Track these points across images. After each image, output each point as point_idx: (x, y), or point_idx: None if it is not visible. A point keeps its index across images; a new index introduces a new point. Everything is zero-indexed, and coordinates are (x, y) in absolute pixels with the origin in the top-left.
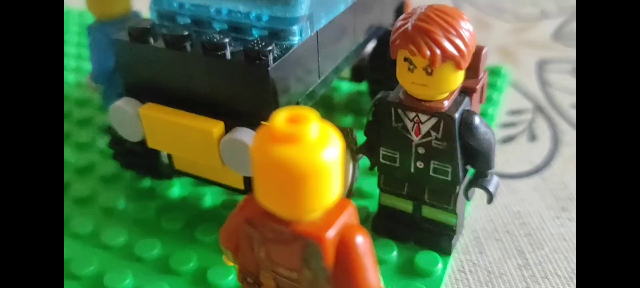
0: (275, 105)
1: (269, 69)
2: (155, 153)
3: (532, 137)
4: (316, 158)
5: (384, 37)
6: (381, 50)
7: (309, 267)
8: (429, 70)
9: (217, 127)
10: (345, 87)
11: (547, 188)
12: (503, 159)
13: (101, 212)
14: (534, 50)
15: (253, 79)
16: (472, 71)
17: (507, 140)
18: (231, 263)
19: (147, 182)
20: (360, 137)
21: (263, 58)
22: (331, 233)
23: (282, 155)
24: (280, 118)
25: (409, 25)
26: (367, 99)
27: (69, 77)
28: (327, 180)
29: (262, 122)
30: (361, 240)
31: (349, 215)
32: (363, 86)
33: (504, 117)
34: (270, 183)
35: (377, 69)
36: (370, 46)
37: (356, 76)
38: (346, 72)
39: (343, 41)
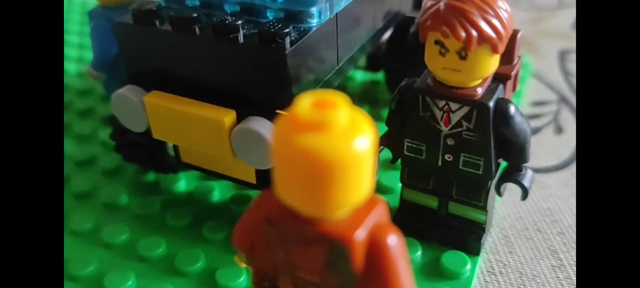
0: (291, 93)
1: (286, 53)
2: (161, 145)
3: (559, 130)
4: (346, 149)
5: (402, 23)
6: (399, 37)
7: (335, 272)
8: (463, 54)
9: (228, 116)
10: (360, 76)
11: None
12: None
13: (102, 208)
14: (554, 40)
15: (268, 64)
16: (507, 56)
17: (532, 132)
18: (244, 265)
19: (151, 176)
20: (380, 128)
21: (279, 41)
22: (361, 233)
23: (308, 144)
24: (305, 103)
25: (441, 5)
26: (384, 89)
27: (70, 67)
28: (358, 173)
29: (278, 111)
30: (394, 241)
31: (380, 213)
32: (379, 76)
33: (528, 108)
34: (293, 176)
35: (394, 57)
36: (388, 33)
37: (372, 65)
38: (362, 61)
39: (362, 26)
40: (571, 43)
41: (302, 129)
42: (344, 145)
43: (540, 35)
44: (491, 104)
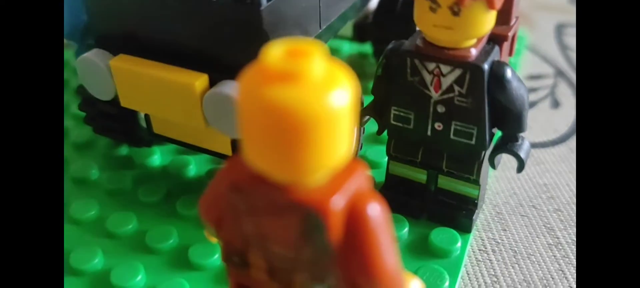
0: None
1: (262, 9)
2: (132, 115)
3: (555, 104)
4: (321, 102)
5: None
6: (388, 5)
7: (310, 244)
8: (456, 9)
9: (199, 80)
10: (347, 47)
11: (575, 159)
12: None
13: (71, 183)
14: (550, 14)
15: (242, 22)
16: (504, 15)
17: (529, 106)
18: (214, 240)
19: (124, 150)
20: (366, 100)
21: None
22: (338, 200)
23: (278, 97)
24: (276, 52)
25: None
26: (372, 61)
27: None
28: (335, 131)
29: None
30: (376, 211)
31: (361, 180)
32: (367, 47)
33: (524, 82)
34: (261, 136)
35: (383, 26)
36: (375, 1)
37: (359, 35)
38: (348, 31)
39: None
40: (568, 17)
41: (272, 80)
42: (318, 98)
43: (537, 9)
44: (486, 66)
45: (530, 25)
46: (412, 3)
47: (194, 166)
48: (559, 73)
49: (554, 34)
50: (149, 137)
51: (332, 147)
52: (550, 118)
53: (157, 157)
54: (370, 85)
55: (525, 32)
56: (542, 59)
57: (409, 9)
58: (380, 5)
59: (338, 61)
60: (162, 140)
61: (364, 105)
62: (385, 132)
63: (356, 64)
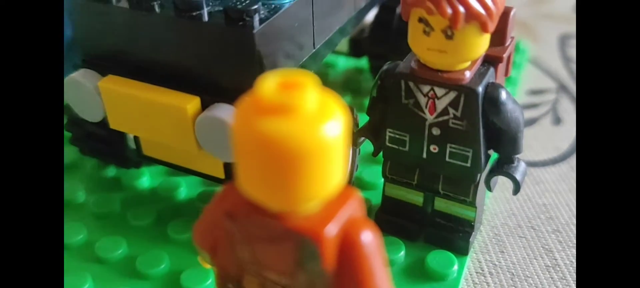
0: (260, 75)
1: (255, 32)
2: (120, 136)
3: (557, 120)
4: (314, 134)
5: (388, 3)
6: (385, 19)
7: (304, 271)
8: (449, 33)
9: (191, 103)
10: (342, 63)
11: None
12: (525, 145)
13: None
14: (555, 24)
15: (235, 44)
16: (499, 36)
17: (529, 123)
18: (208, 266)
19: (111, 171)
20: (362, 119)
21: (247, 19)
22: (332, 228)
23: (272, 129)
24: (269, 84)
25: None
26: (368, 77)
27: None
28: (328, 162)
29: None
30: (369, 238)
31: (354, 207)
32: (363, 62)
33: (524, 97)
34: (256, 166)
35: (379, 41)
36: (372, 14)
37: (355, 50)
38: (343, 46)
39: (342, 4)
40: (573, 27)
41: (266, 112)
42: (311, 130)
43: (540, 18)
44: (480, 88)
45: (533, 36)
46: None
47: (185, 188)
48: (562, 87)
49: (558, 45)
50: (137, 159)
51: (325, 178)
52: (552, 135)
53: (146, 179)
54: (366, 102)
55: (528, 44)
56: (544, 72)
57: (406, 23)
58: (376, 19)
59: (329, 92)
60: (152, 161)
61: (360, 126)
62: (381, 154)
63: (352, 80)
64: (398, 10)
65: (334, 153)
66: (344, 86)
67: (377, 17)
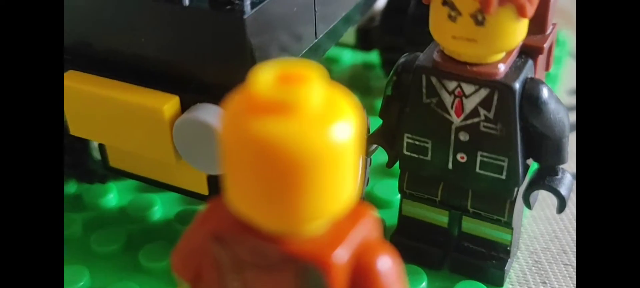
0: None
1: (245, 18)
2: (83, 145)
3: None
4: (320, 137)
5: None
6: (399, 3)
7: None
8: (480, 18)
9: (169, 103)
10: (348, 57)
11: None
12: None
13: None
14: None
15: (222, 33)
16: (539, 23)
17: (571, 128)
18: None
19: (71, 187)
20: (373, 123)
21: (236, 2)
22: (342, 253)
23: (269, 132)
24: (266, 77)
25: None
26: (379, 74)
27: None
28: (336, 171)
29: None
30: (387, 265)
31: (368, 228)
32: (373, 56)
33: (566, 97)
34: (249, 177)
35: (393, 30)
36: (383, 0)
37: (364, 41)
38: (350, 36)
39: None
40: None
41: (261, 112)
42: (317, 132)
43: None
44: (517, 85)
45: (574, 25)
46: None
47: (160, 207)
48: None
49: None
50: (103, 171)
51: (333, 191)
52: None
53: (113, 196)
54: (378, 104)
55: (568, 35)
56: None
57: (425, 9)
58: (389, 4)
59: (338, 86)
60: (120, 175)
61: (371, 132)
62: (397, 164)
63: (360, 78)
64: None
65: (344, 160)
66: (351, 85)
67: (389, 3)
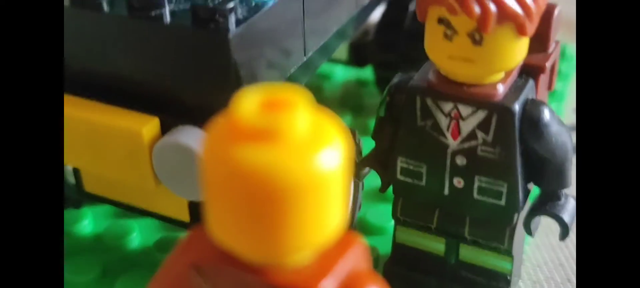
0: (237, 92)
1: (230, 36)
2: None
3: None
4: (306, 165)
5: (396, 1)
6: (394, 19)
7: None
8: (477, 37)
9: (148, 125)
10: (341, 73)
11: None
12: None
13: None
14: None
15: (205, 52)
16: (540, 41)
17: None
18: None
19: None
20: (366, 144)
21: (220, 20)
22: (328, 285)
23: (252, 160)
24: (249, 102)
25: None
26: (373, 91)
27: None
28: (323, 200)
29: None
30: None
31: (357, 258)
32: (367, 72)
33: (571, 115)
34: (231, 207)
35: (387, 46)
36: (378, 12)
37: (357, 57)
38: (342, 52)
39: (340, 1)
40: None
41: (244, 138)
42: (302, 160)
43: None
44: (517, 107)
45: None
46: None
47: (138, 235)
48: None
49: None
50: (77, 197)
51: (319, 221)
52: None
53: (88, 223)
54: (372, 123)
55: (574, 48)
56: None
57: (421, 25)
58: (384, 19)
59: (325, 111)
60: (96, 200)
61: (364, 154)
62: (391, 189)
63: (353, 95)
64: (411, 7)
65: (331, 189)
66: (343, 103)
67: (384, 16)
